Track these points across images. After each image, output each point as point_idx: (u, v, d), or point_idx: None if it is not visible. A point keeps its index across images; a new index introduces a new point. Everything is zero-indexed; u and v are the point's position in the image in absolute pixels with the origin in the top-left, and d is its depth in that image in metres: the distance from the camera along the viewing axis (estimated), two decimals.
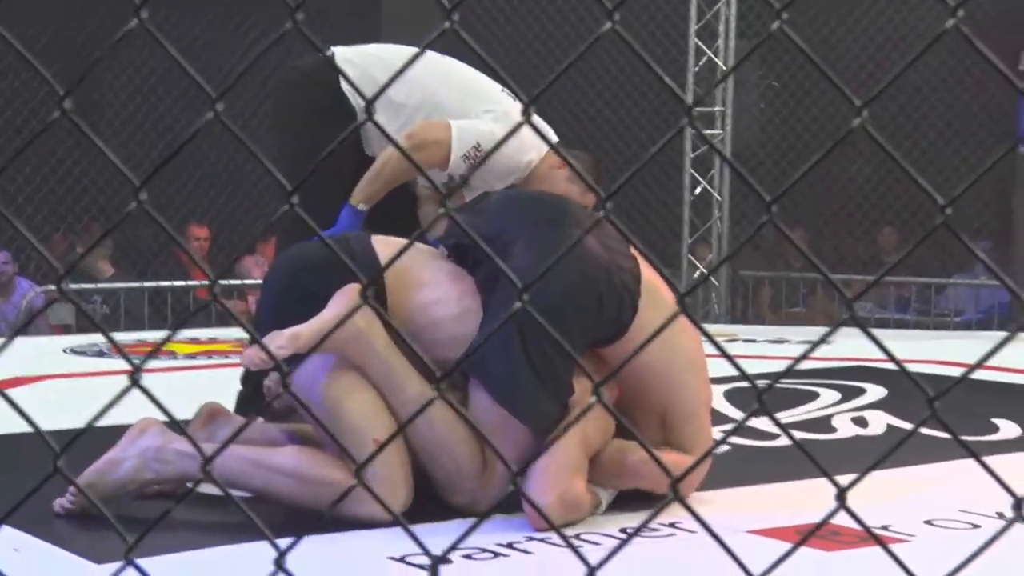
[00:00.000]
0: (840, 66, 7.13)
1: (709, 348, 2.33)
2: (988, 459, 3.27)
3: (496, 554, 1.98)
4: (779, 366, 4.20)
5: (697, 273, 7.19)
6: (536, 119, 3.41)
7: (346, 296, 2.12)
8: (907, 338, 5.68)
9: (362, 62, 2.92)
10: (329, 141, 2.82)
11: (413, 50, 2.98)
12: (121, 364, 4.05)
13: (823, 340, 0.82)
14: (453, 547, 0.84)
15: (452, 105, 2.86)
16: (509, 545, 2.02)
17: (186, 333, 5.20)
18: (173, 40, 0.88)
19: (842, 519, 2.22)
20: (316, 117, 2.91)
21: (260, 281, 6.71)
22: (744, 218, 7.45)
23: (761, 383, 0.84)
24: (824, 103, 7.64)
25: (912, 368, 3.65)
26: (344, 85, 2.91)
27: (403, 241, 2.34)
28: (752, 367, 4.12)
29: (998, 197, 6.91)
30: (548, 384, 2.11)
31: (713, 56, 6.87)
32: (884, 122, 7.51)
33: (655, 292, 2.25)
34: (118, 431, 2.41)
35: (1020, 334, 0.76)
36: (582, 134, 6.80)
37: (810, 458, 0.82)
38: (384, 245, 2.24)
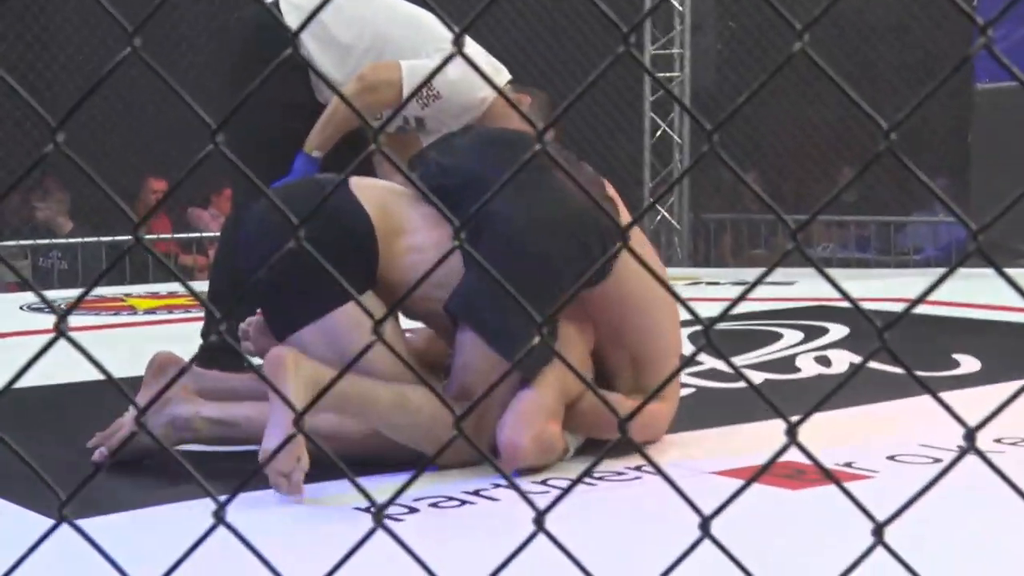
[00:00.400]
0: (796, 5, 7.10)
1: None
2: (948, 394, 3.30)
3: (463, 502, 1.98)
4: (743, 308, 4.21)
5: (659, 217, 7.20)
6: (488, 56, 3.38)
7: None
8: (868, 277, 5.72)
9: (308, 5, 2.88)
10: (282, 90, 2.78)
11: None
12: (79, 320, 4.01)
13: (766, 274, 0.81)
14: (395, 497, 0.83)
15: (402, 45, 2.83)
16: (476, 492, 2.03)
17: (145, 287, 5.15)
18: None
19: (805, 457, 2.24)
20: (261, 66, 2.86)
21: (216, 234, 6.67)
22: (706, 161, 7.45)
23: (720, 325, 0.83)
24: (782, 43, 7.62)
25: (873, 306, 3.69)
26: (290, 25, 2.86)
27: (381, 183, 2.30)
28: (716, 309, 4.13)
29: (955, 135, 6.94)
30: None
31: None
32: (842, 64, 7.50)
33: (633, 231, 2.25)
34: (84, 386, 2.39)
35: (980, 269, 0.76)
36: (535, 74, 6.75)
37: (759, 393, 0.81)
38: (364, 190, 2.19)
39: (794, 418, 0.86)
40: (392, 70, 2.75)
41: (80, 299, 0.87)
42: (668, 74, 7.03)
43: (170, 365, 2.28)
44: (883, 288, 4.77)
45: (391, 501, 0.83)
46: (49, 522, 1.84)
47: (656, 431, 2.33)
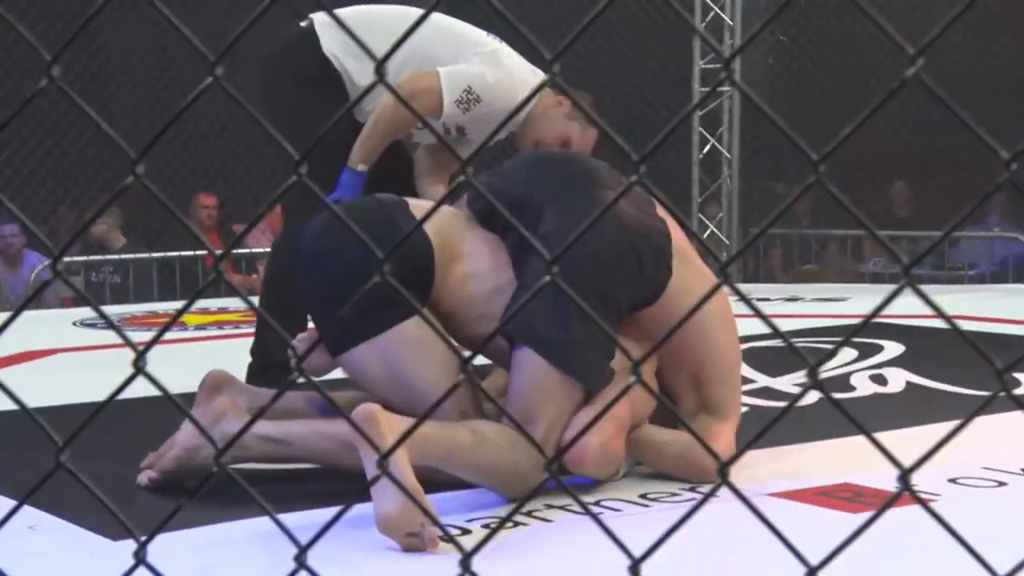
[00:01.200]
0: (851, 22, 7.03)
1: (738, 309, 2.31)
2: (1002, 416, 3.21)
3: (515, 523, 1.96)
4: (794, 325, 4.16)
5: (708, 232, 7.14)
6: (525, 62, 3.34)
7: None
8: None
9: (345, 22, 2.88)
10: (319, 109, 2.79)
11: (392, 7, 2.95)
12: (134, 336, 4.04)
13: (886, 303, 0.77)
14: (483, 543, 0.80)
15: (440, 53, 2.83)
16: (529, 513, 2.00)
17: (196, 303, 5.19)
18: (173, 5, 0.84)
19: (867, 480, 2.19)
20: (302, 87, 2.89)
21: (266, 249, 6.70)
22: (754, 175, 7.38)
23: (802, 346, 0.80)
24: (833, 57, 7.55)
25: (927, 324, 3.62)
26: (326, 50, 2.88)
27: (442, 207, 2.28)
28: (764, 327, 4.07)
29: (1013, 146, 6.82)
30: (598, 342, 2.06)
31: (719, 11, 6.79)
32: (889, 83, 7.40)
33: (685, 251, 2.23)
34: (134, 403, 2.40)
35: None
36: (575, 78, 6.74)
37: (792, 348, 0.78)
38: (421, 211, 2.16)
39: (865, 441, 0.83)
40: (431, 78, 2.75)
41: (156, 338, 0.86)
42: (718, 88, 6.99)
43: (224, 384, 2.28)
44: (949, 303, 4.68)
45: (475, 549, 0.80)
46: (106, 542, 1.85)
47: (728, 454, 2.29)
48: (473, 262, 2.15)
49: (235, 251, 6.57)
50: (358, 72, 2.89)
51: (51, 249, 0.92)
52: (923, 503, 0.77)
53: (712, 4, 6.73)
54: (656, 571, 0.80)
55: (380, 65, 0.82)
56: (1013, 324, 3.90)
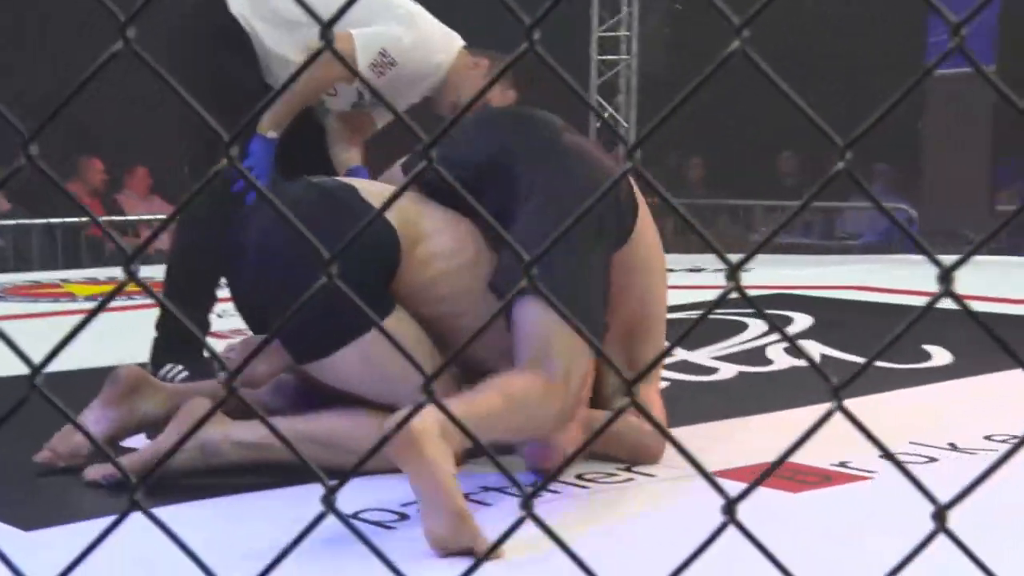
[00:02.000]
0: None
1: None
2: (919, 389, 3.26)
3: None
4: (703, 296, 4.17)
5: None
6: (439, 23, 3.21)
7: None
8: (816, 264, 5.71)
9: None
10: (229, 72, 2.68)
11: None
12: (17, 307, 3.83)
13: (926, 310, 0.73)
14: (544, 485, 0.73)
15: (354, 14, 2.73)
16: (466, 497, 1.93)
17: (83, 272, 4.96)
18: None
19: (803, 458, 2.18)
20: (211, 49, 2.77)
21: (145, 216, 6.45)
22: (652, 145, 7.40)
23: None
24: (730, 26, 7.58)
25: (831, 295, 3.63)
26: (234, 12, 2.77)
27: (386, 187, 2.16)
28: (672, 298, 4.08)
29: (903, 121, 6.98)
30: (597, 286, 2.01)
31: None
32: (787, 53, 7.50)
33: (640, 199, 2.21)
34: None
35: (952, 256, 0.70)
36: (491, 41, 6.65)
37: (817, 369, 0.73)
38: (378, 198, 2.04)
39: (795, 415, 0.78)
40: (344, 40, 2.64)
41: (146, 244, 0.75)
42: (615, 57, 6.97)
43: (142, 385, 2.14)
44: (834, 276, 4.76)
45: (538, 489, 0.73)
46: (18, 532, 1.72)
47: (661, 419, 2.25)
48: (435, 241, 2.06)
49: (114, 218, 6.32)
50: (267, 34, 2.78)
51: (123, 249, 0.80)
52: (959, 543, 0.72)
53: None
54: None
55: (327, 29, 0.74)
56: (924, 296, 3.96)
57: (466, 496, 1.92)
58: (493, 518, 1.81)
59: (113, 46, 0.69)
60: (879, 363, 2.99)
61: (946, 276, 0.69)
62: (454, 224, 2.08)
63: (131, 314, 3.75)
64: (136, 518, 0.72)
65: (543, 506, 1.87)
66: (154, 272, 2.84)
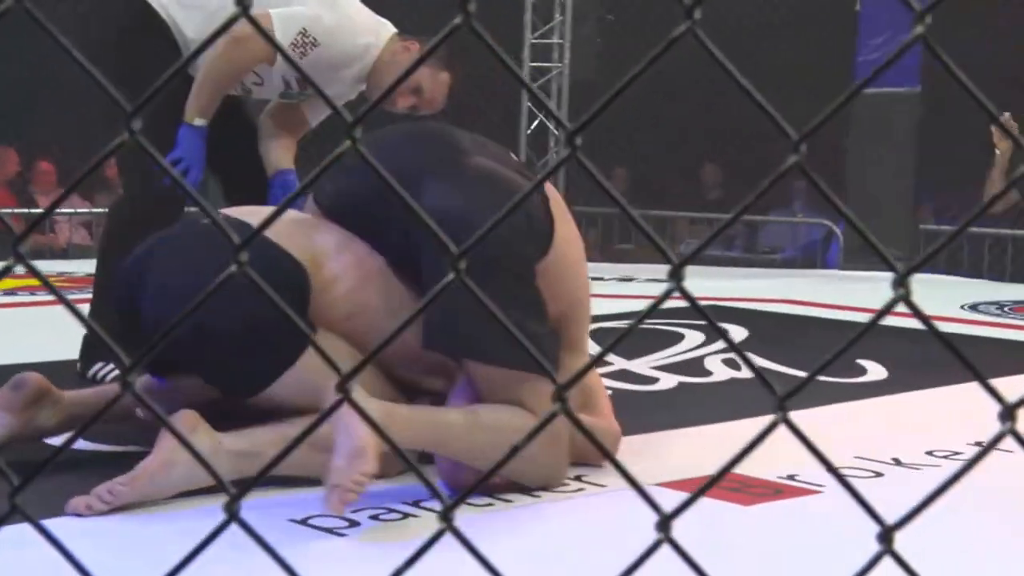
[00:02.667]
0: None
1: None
2: (857, 403, 3.28)
3: (405, 515, 1.84)
4: (634, 305, 4.17)
5: None
6: (367, 10, 3.15)
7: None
8: (742, 277, 5.76)
9: None
10: (147, 60, 2.61)
11: None
12: None
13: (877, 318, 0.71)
14: (459, 501, 0.69)
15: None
16: (416, 504, 1.89)
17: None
18: None
19: (751, 469, 2.17)
20: (128, 39, 2.71)
21: (66, 211, 6.27)
22: (583, 153, 7.39)
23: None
24: (658, 37, 7.63)
25: (771, 308, 3.63)
26: (151, 0, 2.71)
27: (290, 216, 2.08)
28: (606, 307, 4.08)
29: (825, 138, 7.09)
30: (535, 321, 1.97)
31: None
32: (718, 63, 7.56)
33: (555, 195, 2.18)
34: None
35: (883, 273, 0.70)
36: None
37: (762, 380, 0.72)
38: (284, 237, 2.00)
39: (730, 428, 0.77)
40: (262, 20, 2.60)
41: (37, 223, 0.70)
42: (547, 64, 6.97)
43: (45, 395, 2.05)
44: (767, 289, 4.80)
45: (456, 503, 0.69)
46: None
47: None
48: (335, 263, 2.03)
49: (32, 210, 6.13)
50: (186, 21, 2.71)
51: (8, 226, 0.75)
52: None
53: None
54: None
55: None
56: (860, 312, 4.00)
57: (416, 503, 1.88)
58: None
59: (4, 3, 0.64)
60: (816, 376, 3.01)
61: (902, 281, 0.67)
62: (350, 244, 2.06)
63: (45, 311, 3.63)
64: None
65: (483, 517, 1.84)
66: (76, 268, 2.74)
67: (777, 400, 0.74)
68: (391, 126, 2.48)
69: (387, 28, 2.78)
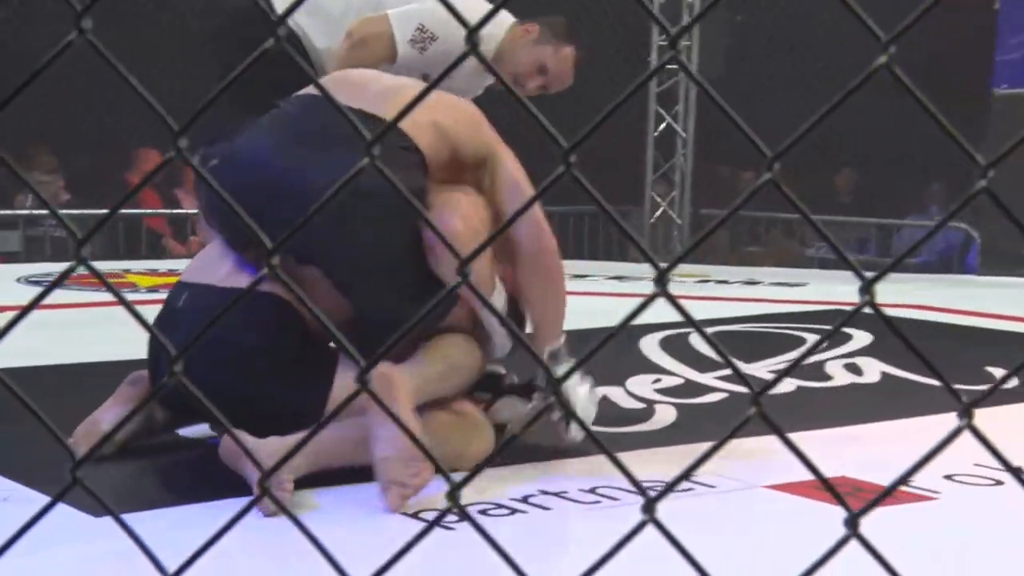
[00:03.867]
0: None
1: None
2: (987, 411, 3.18)
3: (513, 510, 1.89)
4: (756, 309, 4.14)
5: (660, 211, 7.11)
6: (488, 4, 3.15)
7: None
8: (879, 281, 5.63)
9: None
10: (274, 71, 2.71)
11: None
12: (83, 295, 3.88)
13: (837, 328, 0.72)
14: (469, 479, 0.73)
15: (390, 2, 2.76)
16: (524, 500, 1.93)
17: (143, 264, 5.02)
18: None
19: (862, 473, 2.15)
20: (254, 43, 2.80)
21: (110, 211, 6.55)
22: (709, 157, 7.35)
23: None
24: (791, 39, 7.54)
25: (893, 313, 3.54)
26: (277, 5, 2.80)
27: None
28: (728, 310, 4.06)
29: (969, 140, 6.88)
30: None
31: None
32: (846, 68, 7.44)
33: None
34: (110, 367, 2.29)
35: (1014, 279, 0.67)
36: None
37: (723, 356, 0.72)
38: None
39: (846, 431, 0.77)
40: (380, 22, 2.68)
41: (101, 224, 0.75)
42: (674, 66, 6.95)
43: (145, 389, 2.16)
44: (894, 294, 4.70)
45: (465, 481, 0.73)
46: (86, 517, 1.74)
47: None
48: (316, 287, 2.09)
49: (172, 211, 6.37)
50: (314, 30, 2.81)
51: (73, 232, 0.81)
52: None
53: None
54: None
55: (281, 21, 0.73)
56: (985, 318, 3.90)
57: (524, 499, 1.92)
58: (553, 522, 1.80)
59: (68, 36, 0.69)
60: (938, 383, 2.94)
61: (868, 288, 0.67)
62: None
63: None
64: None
65: (613, 511, 1.87)
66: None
67: (963, 407, 0.74)
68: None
69: (507, 17, 2.84)
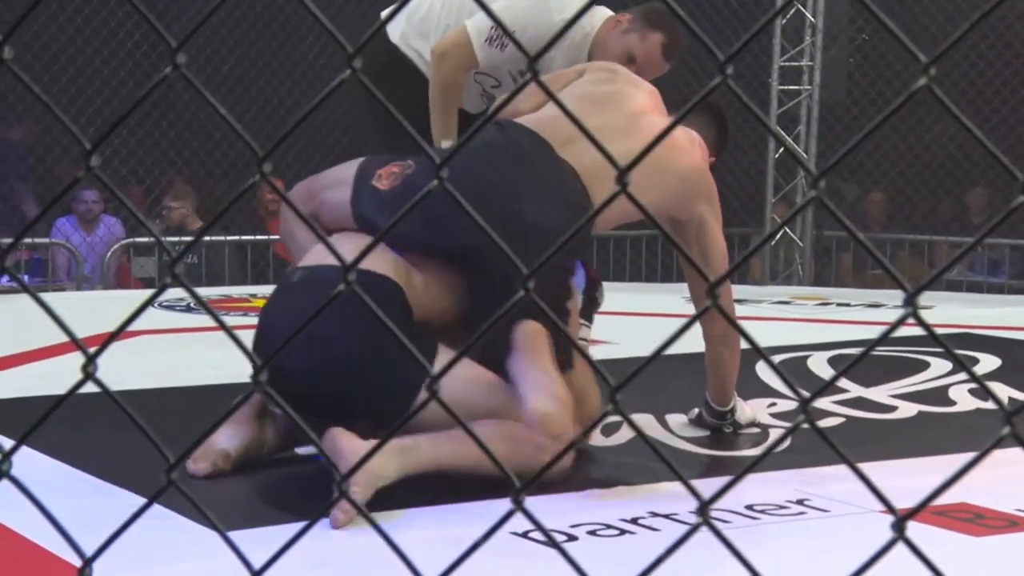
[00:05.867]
0: (938, 16, 6.86)
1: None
2: None
3: (622, 531, 1.89)
4: (878, 332, 4.05)
5: (780, 234, 7.02)
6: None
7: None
8: (1005, 304, 5.47)
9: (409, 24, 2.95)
10: (402, 96, 2.80)
11: None
12: (207, 320, 4.02)
13: (887, 334, 0.71)
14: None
15: (471, 11, 2.85)
16: (633, 521, 1.94)
17: (269, 288, 5.17)
18: None
19: (986, 500, 2.10)
20: (380, 81, 2.91)
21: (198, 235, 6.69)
22: (830, 176, 7.23)
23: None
24: (909, 58, 7.37)
25: (1017, 336, 3.44)
26: (394, 38, 2.94)
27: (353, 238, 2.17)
28: (850, 333, 3.98)
29: None
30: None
31: (802, 7, 6.67)
32: (980, 80, 7.26)
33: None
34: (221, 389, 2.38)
35: None
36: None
37: (769, 363, 0.71)
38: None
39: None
40: (458, 33, 2.77)
41: (107, 343, 0.80)
42: (796, 87, 6.87)
43: (266, 408, 2.19)
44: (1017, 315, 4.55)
45: (715, 496, 0.75)
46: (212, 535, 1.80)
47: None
48: (416, 272, 2.16)
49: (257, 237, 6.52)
50: (426, 50, 2.92)
51: (167, 250, 0.86)
52: None
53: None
54: None
55: (533, 62, 0.76)
56: None
57: (634, 520, 1.93)
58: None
59: (165, 71, 0.73)
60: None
61: (911, 301, 0.67)
62: (408, 254, 2.17)
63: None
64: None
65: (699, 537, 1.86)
66: None
67: (1005, 415, 0.72)
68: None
69: (602, 11, 2.90)
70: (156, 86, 0.74)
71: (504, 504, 0.71)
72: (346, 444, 1.89)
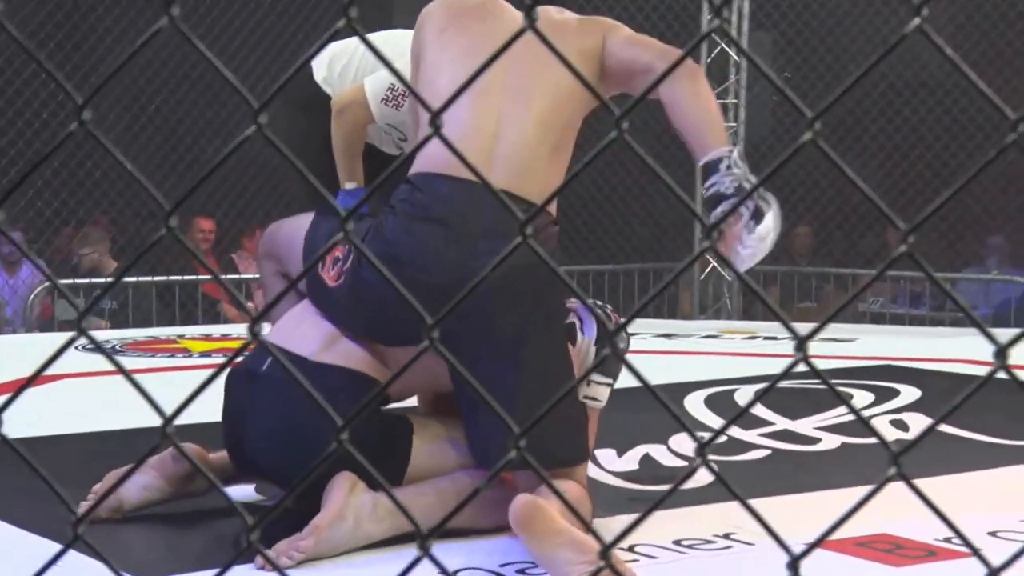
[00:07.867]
0: (855, 57, 7.04)
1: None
2: None
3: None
4: (804, 366, 4.11)
5: (709, 269, 7.11)
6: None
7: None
8: (926, 335, 5.60)
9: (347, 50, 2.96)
10: (309, 131, 2.83)
11: (377, 34, 2.96)
12: (135, 362, 3.97)
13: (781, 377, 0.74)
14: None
15: (376, 66, 2.89)
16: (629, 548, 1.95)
17: (198, 329, 5.11)
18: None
19: (906, 530, 2.14)
20: (297, 112, 2.94)
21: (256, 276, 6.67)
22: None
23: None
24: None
25: (944, 368, 3.53)
26: (318, 78, 2.96)
27: (305, 327, 2.13)
28: (777, 366, 4.04)
29: (1017, 188, 6.83)
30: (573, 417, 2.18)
31: (726, 47, 6.80)
32: (888, 122, 7.45)
33: None
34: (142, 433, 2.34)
35: None
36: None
37: (665, 405, 0.73)
38: (330, 351, 2.11)
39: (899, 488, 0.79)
40: (355, 91, 2.83)
41: (12, 399, 0.79)
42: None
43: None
44: (949, 348, 4.66)
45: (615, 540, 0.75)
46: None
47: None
48: (391, 359, 2.12)
49: (229, 276, 6.48)
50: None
51: (73, 303, 0.86)
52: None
53: (718, 39, 6.73)
54: None
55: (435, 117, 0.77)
56: None
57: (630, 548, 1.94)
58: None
59: (70, 127, 0.73)
60: (984, 438, 2.93)
61: (801, 346, 0.70)
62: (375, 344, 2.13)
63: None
64: None
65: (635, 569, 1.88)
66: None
67: (891, 456, 0.75)
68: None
69: None
70: (59, 146, 0.75)
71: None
72: (336, 496, 1.95)
